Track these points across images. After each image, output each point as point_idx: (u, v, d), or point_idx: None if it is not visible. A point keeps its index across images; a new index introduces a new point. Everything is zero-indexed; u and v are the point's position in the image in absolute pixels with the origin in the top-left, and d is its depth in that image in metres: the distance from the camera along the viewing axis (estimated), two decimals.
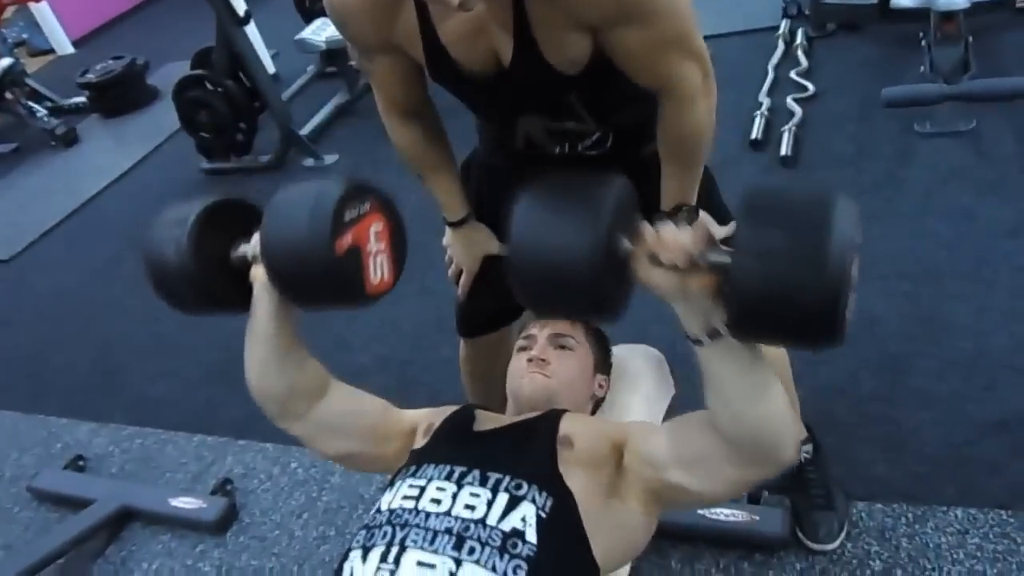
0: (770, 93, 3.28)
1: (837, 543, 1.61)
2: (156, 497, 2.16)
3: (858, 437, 1.82)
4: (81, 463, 2.39)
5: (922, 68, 2.89)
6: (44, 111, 5.03)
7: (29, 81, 5.20)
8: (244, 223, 1.14)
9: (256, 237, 1.10)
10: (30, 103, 5.03)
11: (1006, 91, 2.75)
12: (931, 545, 1.57)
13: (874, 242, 2.37)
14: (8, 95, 4.94)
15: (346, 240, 1.03)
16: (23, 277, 3.69)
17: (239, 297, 1.16)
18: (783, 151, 2.87)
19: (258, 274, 1.12)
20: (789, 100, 3.16)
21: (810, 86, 3.25)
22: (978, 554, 1.54)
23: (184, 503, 2.10)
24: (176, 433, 2.43)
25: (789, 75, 3.35)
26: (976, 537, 1.57)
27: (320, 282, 1.04)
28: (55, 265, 3.70)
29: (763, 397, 0.96)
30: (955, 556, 1.55)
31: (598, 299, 0.92)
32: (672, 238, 0.89)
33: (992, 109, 2.76)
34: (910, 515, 1.63)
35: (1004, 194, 2.44)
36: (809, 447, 1.70)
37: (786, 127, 2.96)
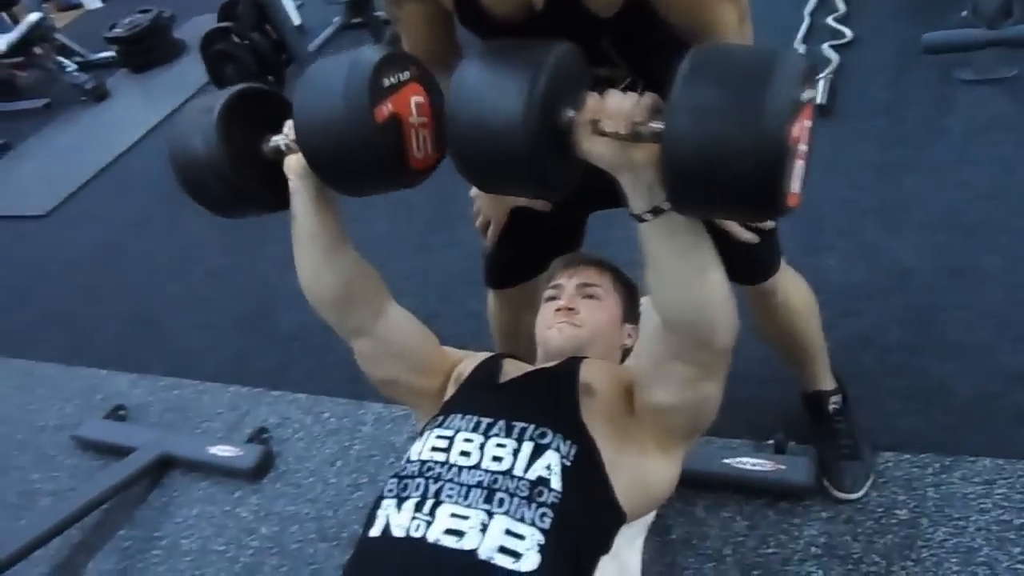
0: (806, 40, 3.20)
1: (863, 492, 1.62)
2: (195, 445, 2.23)
3: (886, 388, 1.82)
4: (122, 413, 2.46)
5: (964, 13, 2.79)
6: (74, 66, 5.05)
7: (58, 36, 5.21)
8: (276, 115, 1.07)
9: (288, 126, 1.05)
10: (59, 58, 5.06)
11: None
12: (958, 495, 1.58)
13: (907, 192, 2.35)
14: (38, 50, 4.98)
15: (386, 107, 0.97)
16: (59, 232, 3.75)
17: (272, 194, 1.10)
18: (818, 100, 2.81)
19: (292, 165, 1.07)
20: (825, 47, 3.08)
21: (848, 32, 3.16)
22: (1005, 504, 1.54)
23: (222, 451, 2.16)
24: (211, 384, 2.48)
25: (826, 21, 3.26)
26: (1003, 487, 1.57)
27: (360, 153, 0.96)
28: (89, 220, 3.77)
29: (702, 281, 0.95)
30: (982, 505, 1.55)
31: (537, 170, 0.88)
32: (615, 105, 0.86)
33: None
34: (937, 465, 1.64)
35: None
36: (838, 397, 1.71)
37: (822, 75, 2.89)
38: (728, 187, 0.79)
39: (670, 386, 1.07)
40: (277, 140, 1.07)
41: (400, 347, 1.26)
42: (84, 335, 2.96)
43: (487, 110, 0.86)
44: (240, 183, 1.07)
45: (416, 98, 1.03)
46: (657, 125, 0.83)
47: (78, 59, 5.21)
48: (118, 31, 4.99)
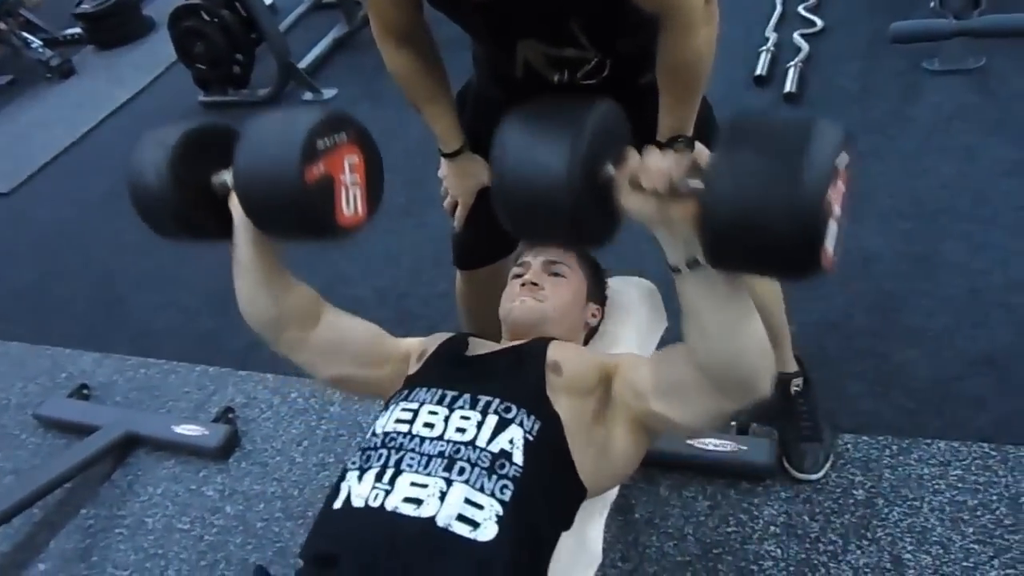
0: (777, 28, 3.22)
1: (822, 473, 1.65)
2: (160, 424, 2.21)
3: (848, 371, 1.85)
4: (86, 392, 2.43)
5: (932, 3, 2.83)
6: (39, 43, 4.95)
7: (23, 12, 5.10)
8: (227, 150, 1.10)
9: None
10: (25, 34, 4.96)
11: (1017, 27, 2.69)
12: (913, 476, 1.61)
13: (873, 180, 2.38)
14: (2, 26, 4.87)
15: (317, 169, 1.01)
16: (24, 210, 3.69)
17: (219, 226, 1.15)
18: (788, 88, 2.83)
19: (236, 202, 1.11)
20: (796, 35, 3.11)
21: (818, 21, 3.19)
22: (959, 485, 1.58)
23: (188, 430, 2.15)
24: (178, 363, 2.47)
25: (797, 10, 3.29)
26: (958, 469, 1.60)
27: (289, 210, 1.02)
28: (55, 198, 3.71)
29: (740, 331, 0.97)
30: (936, 486, 1.59)
31: (579, 224, 0.91)
32: (654, 163, 0.89)
33: (1002, 46, 2.72)
34: (894, 447, 1.67)
35: (1008, 134, 2.41)
36: (800, 380, 1.73)
37: (792, 63, 2.92)
38: (765, 250, 0.82)
39: (685, 408, 1.08)
40: (224, 177, 1.12)
41: (337, 345, 1.28)
42: (49, 314, 2.92)
43: (532, 169, 0.89)
44: (188, 214, 1.12)
45: (350, 158, 1.08)
46: (695, 183, 0.86)
47: (44, 35, 5.11)
48: (85, 7, 4.90)
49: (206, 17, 3.69)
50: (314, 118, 1.02)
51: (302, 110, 1.07)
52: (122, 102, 4.33)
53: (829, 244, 0.81)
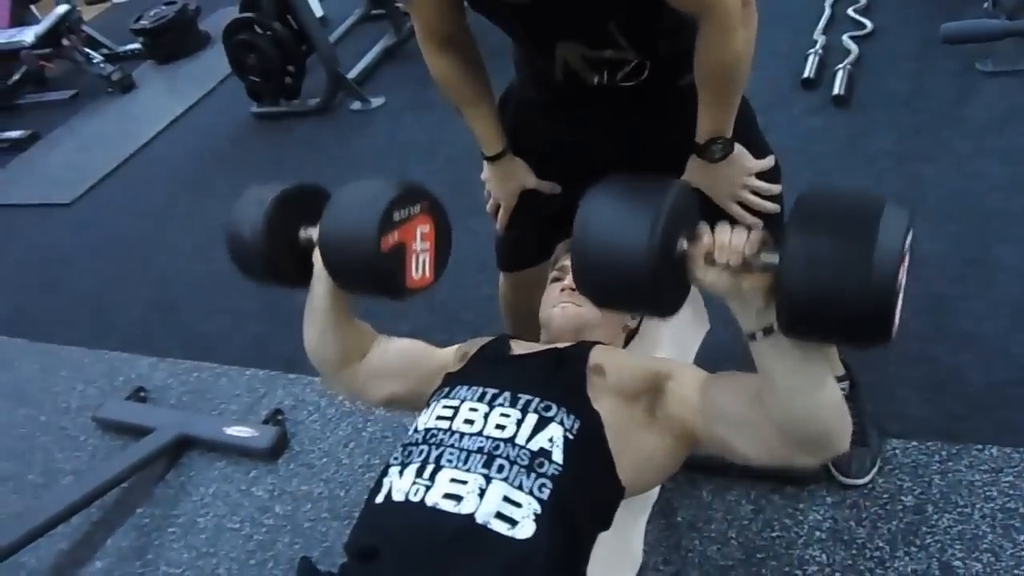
0: (826, 31, 3.18)
1: (869, 478, 1.62)
2: (212, 426, 2.27)
3: (897, 376, 1.81)
4: (142, 395, 2.51)
5: (985, 4, 2.77)
6: (100, 58, 5.14)
7: (85, 28, 5.30)
8: (316, 207, 1.22)
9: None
10: (87, 50, 5.14)
11: None
12: (964, 482, 1.58)
13: (925, 183, 2.34)
14: (65, 42, 5.06)
15: (392, 238, 1.14)
16: (84, 219, 3.83)
17: (302, 274, 1.28)
18: (836, 90, 2.79)
19: (318, 256, 1.23)
20: (845, 38, 3.06)
21: (868, 23, 3.14)
22: (1011, 492, 1.54)
23: (238, 432, 2.21)
24: (230, 367, 2.53)
25: (847, 12, 3.24)
26: (1010, 475, 1.56)
27: (364, 273, 1.16)
28: (114, 208, 3.84)
29: (814, 393, 0.99)
30: (988, 493, 1.55)
31: (656, 297, 0.97)
32: (726, 239, 0.94)
33: None
34: (944, 453, 1.64)
35: None
36: (846, 384, 1.70)
37: (840, 65, 2.88)
38: (839, 326, 0.88)
39: (752, 443, 1.07)
40: (310, 233, 1.25)
41: (382, 369, 1.36)
42: (107, 320, 3.02)
43: (613, 246, 0.95)
44: (277, 265, 1.26)
45: (422, 228, 1.21)
46: (769, 257, 0.92)
47: (105, 51, 5.30)
48: (144, 23, 5.07)
49: (259, 30, 3.80)
50: (393, 192, 1.15)
51: (384, 184, 1.18)
52: (178, 114, 4.47)
53: (897, 316, 0.87)
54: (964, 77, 2.71)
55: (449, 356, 1.35)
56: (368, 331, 1.38)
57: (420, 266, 1.22)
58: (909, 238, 0.87)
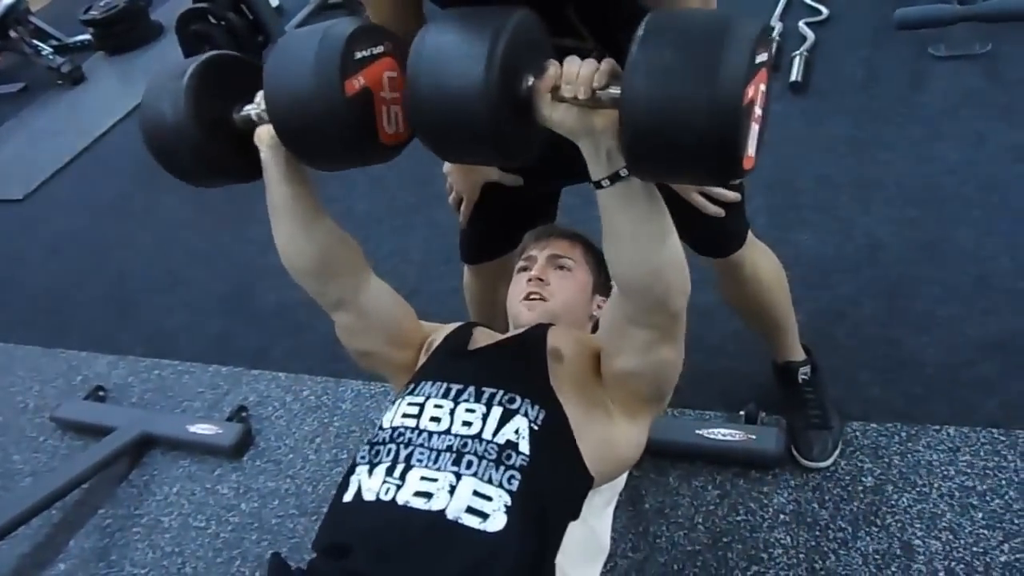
0: (782, 17, 3.21)
1: (831, 461, 1.65)
2: (175, 424, 2.24)
3: (857, 359, 1.85)
4: (102, 394, 2.46)
5: None
6: (49, 49, 5.01)
7: (33, 19, 5.15)
8: (248, 84, 1.05)
9: (260, 96, 1.03)
10: (35, 41, 5.01)
11: (1023, 11, 2.68)
12: (922, 462, 1.61)
13: (882, 168, 2.38)
14: (12, 33, 4.92)
15: (357, 81, 0.95)
16: (37, 215, 3.73)
17: (243, 164, 1.10)
18: (793, 77, 2.82)
19: (263, 136, 1.07)
20: (801, 24, 3.10)
21: (824, 10, 3.18)
22: (968, 471, 1.58)
23: (202, 429, 2.18)
24: (192, 364, 2.49)
25: None
26: (967, 454, 1.60)
27: (330, 127, 0.96)
28: (67, 203, 3.75)
29: (659, 247, 0.97)
30: (946, 472, 1.59)
31: (498, 135, 0.88)
32: (575, 71, 0.87)
33: (1008, 31, 2.70)
34: (903, 434, 1.67)
35: (1015, 119, 2.40)
36: (807, 368, 1.73)
37: (797, 52, 2.91)
38: (684, 149, 0.79)
39: (630, 351, 1.10)
40: (248, 110, 1.07)
41: (380, 320, 1.27)
42: (64, 318, 2.96)
43: (447, 77, 0.86)
44: (209, 152, 1.06)
45: (389, 73, 1.02)
46: (616, 91, 0.84)
47: (54, 42, 5.17)
48: (94, 13, 4.94)
49: (213, 20, 3.73)
50: (351, 27, 0.96)
51: (336, 21, 0.98)
52: (131, 108, 4.35)
53: (750, 145, 0.80)
54: (918, 62, 2.76)
55: (425, 335, 1.34)
56: (351, 243, 1.21)
57: (392, 118, 1.02)
58: (764, 55, 0.80)
